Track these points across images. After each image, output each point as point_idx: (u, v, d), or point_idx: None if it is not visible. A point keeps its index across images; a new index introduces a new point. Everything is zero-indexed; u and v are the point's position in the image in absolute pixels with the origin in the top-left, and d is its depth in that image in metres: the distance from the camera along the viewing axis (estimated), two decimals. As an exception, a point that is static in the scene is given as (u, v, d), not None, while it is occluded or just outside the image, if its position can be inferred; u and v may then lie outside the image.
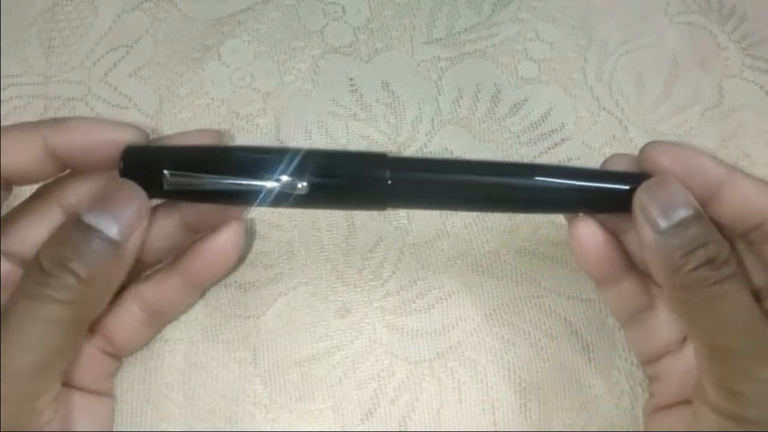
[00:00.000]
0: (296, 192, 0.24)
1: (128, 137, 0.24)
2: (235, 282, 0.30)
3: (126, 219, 0.23)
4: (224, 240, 0.27)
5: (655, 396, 0.27)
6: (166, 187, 0.24)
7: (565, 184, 0.25)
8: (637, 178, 0.24)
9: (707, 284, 0.22)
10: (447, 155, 0.31)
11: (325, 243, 0.30)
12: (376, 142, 0.31)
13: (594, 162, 0.31)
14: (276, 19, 0.33)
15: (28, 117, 0.31)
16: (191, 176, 0.24)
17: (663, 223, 0.23)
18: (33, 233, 0.24)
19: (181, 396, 0.28)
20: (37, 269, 0.22)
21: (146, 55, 0.33)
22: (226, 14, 0.33)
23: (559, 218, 0.30)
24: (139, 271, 0.27)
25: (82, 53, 0.33)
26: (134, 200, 0.23)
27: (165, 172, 0.24)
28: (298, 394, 0.28)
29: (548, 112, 0.32)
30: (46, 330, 0.22)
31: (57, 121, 0.24)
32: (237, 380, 0.29)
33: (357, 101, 0.32)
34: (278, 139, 0.31)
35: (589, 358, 0.29)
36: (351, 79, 0.32)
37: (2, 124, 0.31)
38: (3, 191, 0.24)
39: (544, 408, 0.28)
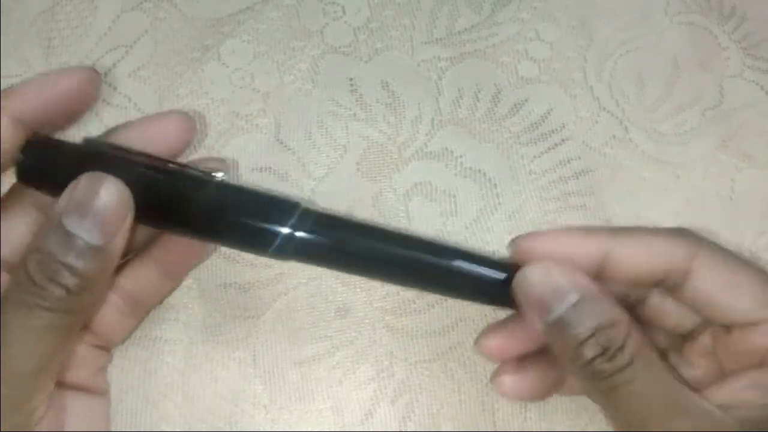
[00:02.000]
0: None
1: (78, 81, 0.24)
2: (235, 282, 0.30)
3: (108, 220, 0.22)
4: None
5: None
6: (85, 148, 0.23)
7: (448, 265, 0.24)
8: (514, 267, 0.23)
9: (604, 377, 0.21)
10: (447, 155, 0.31)
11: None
12: (376, 142, 0.31)
13: (594, 162, 0.31)
14: (276, 19, 0.33)
15: (28, 117, 0.32)
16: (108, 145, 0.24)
17: (548, 315, 0.22)
18: (12, 235, 0.24)
19: (181, 396, 0.28)
20: (27, 279, 0.21)
21: (146, 55, 0.33)
22: (225, 14, 0.33)
23: (561, 219, 0.30)
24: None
25: (81, 53, 0.33)
26: (115, 198, 0.22)
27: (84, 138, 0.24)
28: (297, 395, 0.28)
29: (548, 112, 0.32)
30: (39, 336, 0.21)
31: (9, 90, 0.23)
32: (236, 381, 0.29)
33: (357, 101, 0.32)
34: (278, 140, 0.31)
35: (589, 358, 0.29)
36: (351, 79, 0.32)
37: (2, 124, 0.31)
38: None
39: (544, 409, 0.28)
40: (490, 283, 0.24)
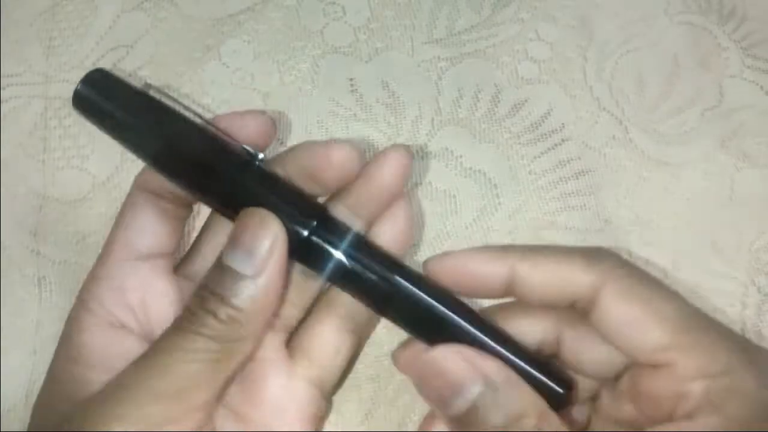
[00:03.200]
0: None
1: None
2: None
3: (259, 254, 0.22)
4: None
5: None
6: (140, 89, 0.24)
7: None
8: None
9: None
10: (447, 155, 0.31)
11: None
12: (377, 142, 0.31)
13: (594, 162, 0.31)
14: (276, 19, 0.33)
15: (28, 117, 0.32)
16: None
17: (448, 410, 0.21)
18: (145, 229, 0.25)
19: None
20: (186, 309, 0.22)
21: (146, 55, 0.33)
22: (226, 14, 0.33)
23: (561, 219, 0.30)
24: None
25: (82, 53, 0.33)
26: (266, 232, 0.22)
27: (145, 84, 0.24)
28: (297, 395, 0.28)
29: (548, 113, 0.32)
30: (180, 357, 0.21)
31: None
32: (237, 380, 0.28)
33: (357, 101, 0.32)
34: (278, 139, 0.31)
35: (589, 358, 0.29)
36: (351, 80, 0.32)
37: (2, 123, 0.31)
38: (178, 209, 0.25)
39: (544, 408, 0.28)
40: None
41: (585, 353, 0.23)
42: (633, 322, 0.21)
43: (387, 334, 0.29)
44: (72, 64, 0.32)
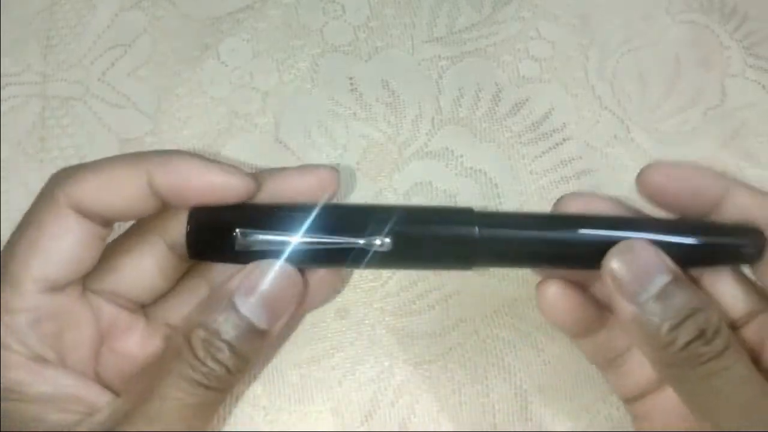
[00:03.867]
0: (376, 249, 0.23)
1: (236, 185, 0.23)
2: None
3: (277, 305, 0.22)
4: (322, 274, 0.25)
5: None
6: (237, 248, 0.23)
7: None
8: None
9: (702, 361, 0.21)
10: (448, 155, 0.31)
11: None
12: (376, 141, 0.31)
13: (595, 161, 0.31)
14: (275, 17, 0.33)
15: (26, 116, 0.31)
16: (262, 233, 0.23)
17: (641, 295, 0.21)
18: (137, 273, 0.24)
19: None
20: (189, 353, 0.21)
21: (144, 54, 0.32)
22: (224, 13, 0.33)
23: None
24: None
25: (80, 52, 0.32)
26: (286, 285, 0.22)
27: (237, 232, 0.23)
28: (297, 396, 0.28)
29: (550, 112, 0.32)
30: (192, 413, 0.21)
31: (162, 158, 0.23)
32: (236, 381, 0.28)
33: (357, 100, 0.32)
34: (277, 139, 0.31)
35: (590, 359, 0.28)
36: (351, 78, 0.32)
37: (1, 123, 0.31)
38: (103, 229, 0.23)
39: (545, 410, 0.28)
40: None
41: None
42: None
43: (387, 334, 0.29)
44: (70, 63, 0.32)
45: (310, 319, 0.29)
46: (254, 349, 0.22)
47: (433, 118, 0.32)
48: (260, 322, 0.22)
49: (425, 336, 0.29)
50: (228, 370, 0.21)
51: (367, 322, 0.29)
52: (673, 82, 0.32)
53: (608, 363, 0.26)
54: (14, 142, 0.31)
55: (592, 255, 0.23)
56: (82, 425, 0.21)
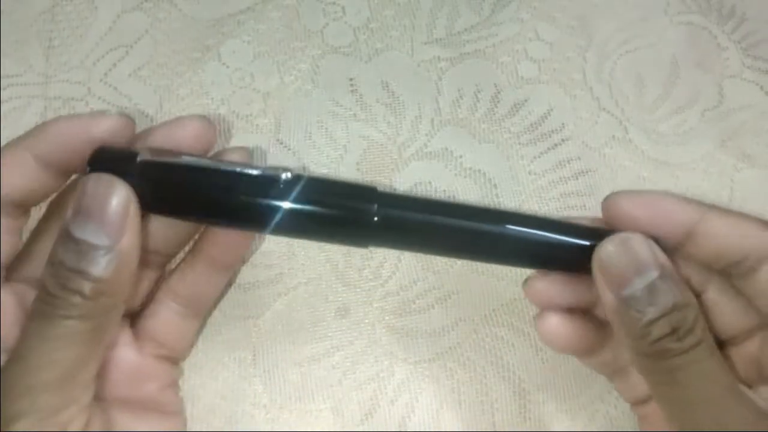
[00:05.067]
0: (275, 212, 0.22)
1: (105, 128, 0.23)
2: (235, 282, 0.30)
3: (112, 221, 0.22)
4: None
5: None
6: (139, 161, 0.22)
7: (537, 235, 0.24)
8: (603, 234, 0.23)
9: (670, 355, 0.21)
10: (447, 155, 0.31)
11: (325, 243, 0.30)
12: (376, 142, 0.31)
13: (594, 162, 0.31)
14: (276, 19, 0.33)
15: (28, 117, 0.32)
16: (167, 153, 0.23)
17: (625, 289, 0.22)
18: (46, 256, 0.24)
19: (181, 396, 0.28)
20: (43, 291, 0.21)
21: (146, 55, 0.33)
22: (226, 14, 0.33)
23: (559, 219, 0.30)
24: (164, 264, 0.27)
25: (81, 53, 0.33)
26: (114, 197, 0.22)
27: (139, 156, 0.23)
28: (297, 395, 0.28)
29: (548, 113, 0.32)
30: (59, 345, 0.21)
31: (37, 129, 0.23)
32: (237, 380, 0.29)
33: (357, 101, 0.32)
34: (278, 140, 0.31)
35: (588, 358, 0.29)
36: (351, 80, 0.32)
37: (2, 124, 0.31)
38: (20, 218, 0.24)
39: (544, 409, 0.28)
40: (574, 249, 0.24)
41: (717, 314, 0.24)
42: None
43: (387, 333, 0.29)
44: (72, 64, 0.32)
45: (310, 318, 0.29)
46: (108, 269, 0.21)
47: (432, 119, 0.32)
48: (100, 240, 0.21)
49: (425, 335, 0.29)
50: (84, 296, 0.21)
51: (367, 321, 0.29)
52: (671, 83, 0.33)
53: (613, 373, 0.26)
54: (16, 143, 0.31)
55: (488, 247, 0.24)
56: None
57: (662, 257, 0.23)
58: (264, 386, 0.28)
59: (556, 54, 0.33)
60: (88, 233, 0.21)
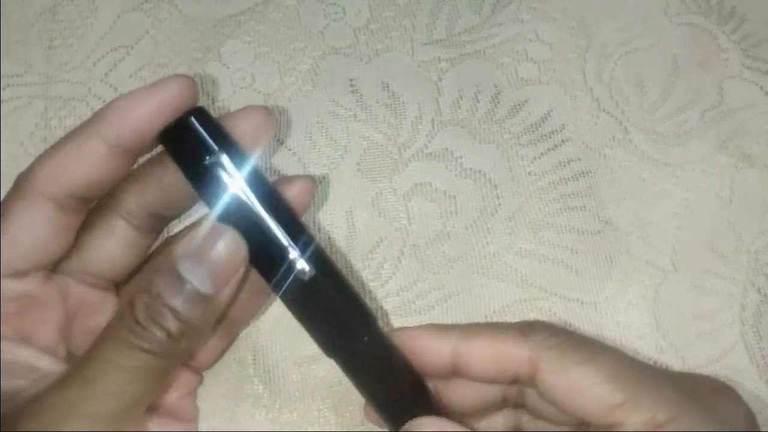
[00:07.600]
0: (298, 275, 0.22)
1: (171, 94, 0.22)
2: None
3: (221, 271, 0.21)
4: None
5: None
6: (207, 161, 0.21)
7: None
8: None
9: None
10: (447, 156, 0.31)
11: (326, 243, 0.30)
12: (377, 142, 0.31)
13: (594, 163, 0.31)
14: (277, 20, 0.33)
15: (28, 117, 0.32)
16: (234, 171, 0.22)
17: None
18: (102, 251, 0.24)
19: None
20: (131, 317, 0.21)
21: (146, 55, 0.33)
22: (226, 15, 0.33)
23: (560, 220, 0.30)
24: None
25: (82, 54, 0.33)
26: (231, 250, 0.21)
27: (216, 149, 0.22)
28: (298, 395, 0.28)
29: (548, 113, 0.32)
30: (133, 377, 0.21)
31: (103, 111, 0.22)
32: (237, 380, 0.29)
33: (357, 102, 0.32)
34: (278, 140, 0.31)
35: (588, 358, 0.29)
36: (351, 80, 0.33)
37: (2, 124, 0.31)
38: (79, 214, 0.23)
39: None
40: None
41: (547, 410, 0.24)
42: (572, 391, 0.21)
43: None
44: (72, 64, 0.32)
45: (310, 318, 0.29)
46: (200, 315, 0.21)
47: (432, 120, 0.32)
48: (204, 288, 0.21)
49: (425, 335, 0.29)
50: (170, 335, 0.21)
51: (367, 321, 0.29)
52: (671, 84, 0.33)
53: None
54: (16, 143, 0.31)
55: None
56: (30, 389, 0.21)
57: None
58: (264, 386, 0.28)
59: (557, 55, 0.33)
60: (195, 277, 0.21)
